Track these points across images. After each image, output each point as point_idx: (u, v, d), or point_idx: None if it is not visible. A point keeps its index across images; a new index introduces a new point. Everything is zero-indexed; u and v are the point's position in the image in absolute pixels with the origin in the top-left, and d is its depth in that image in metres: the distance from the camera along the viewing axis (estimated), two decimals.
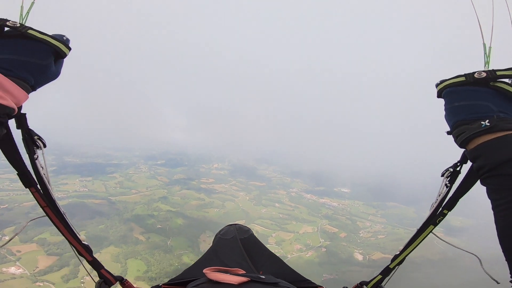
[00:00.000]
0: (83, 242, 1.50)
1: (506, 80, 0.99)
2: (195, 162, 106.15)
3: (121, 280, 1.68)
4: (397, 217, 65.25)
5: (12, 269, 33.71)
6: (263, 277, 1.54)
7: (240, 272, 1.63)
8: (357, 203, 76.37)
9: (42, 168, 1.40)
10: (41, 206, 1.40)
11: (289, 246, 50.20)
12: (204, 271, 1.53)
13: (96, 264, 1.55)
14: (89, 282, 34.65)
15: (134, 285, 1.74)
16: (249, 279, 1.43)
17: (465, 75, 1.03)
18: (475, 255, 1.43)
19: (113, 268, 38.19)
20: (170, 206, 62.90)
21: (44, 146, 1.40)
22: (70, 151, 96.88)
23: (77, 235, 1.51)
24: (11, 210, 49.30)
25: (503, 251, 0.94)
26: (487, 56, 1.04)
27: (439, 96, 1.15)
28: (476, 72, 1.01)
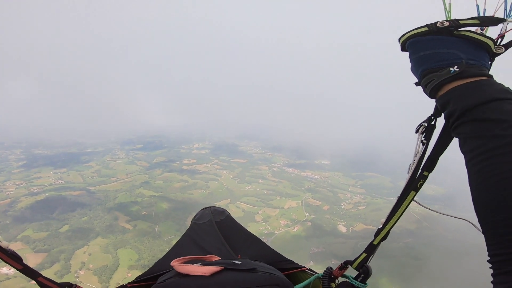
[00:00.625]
0: (6, 248, 1.21)
1: (470, 28, 0.97)
2: (174, 144, 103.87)
3: (70, 286, 1.38)
4: (376, 187, 68.59)
5: (4, 270, 32.67)
6: (239, 262, 1.47)
7: (214, 259, 1.60)
8: (337, 174, 79.18)
9: None
10: None
11: (275, 222, 51.89)
12: (172, 263, 1.43)
13: (29, 272, 1.25)
14: (83, 276, 34.46)
15: None
16: (222, 267, 1.37)
17: (427, 25, 1.00)
18: (466, 220, 1.30)
19: (104, 259, 38.06)
20: (153, 190, 62.19)
21: None
22: (38, 143, 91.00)
23: None
24: None
25: (479, 219, 0.81)
26: (447, 12, 1.04)
27: (403, 49, 1.10)
28: (438, 21, 0.98)
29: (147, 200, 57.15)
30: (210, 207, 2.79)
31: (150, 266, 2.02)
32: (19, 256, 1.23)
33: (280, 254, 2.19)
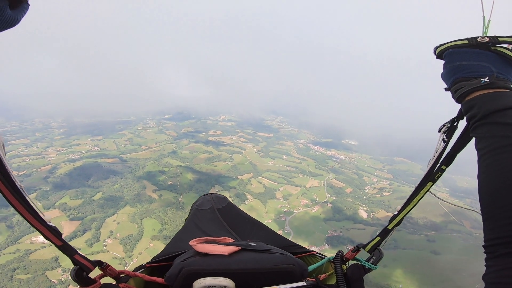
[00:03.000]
0: (48, 223, 1.17)
1: (506, 46, 1.07)
2: (202, 115, 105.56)
3: (101, 264, 1.37)
4: (404, 174, 65.24)
5: (41, 238, 35.95)
6: (254, 244, 1.56)
7: (229, 241, 1.68)
8: (365, 156, 76.34)
9: None
10: None
11: (295, 201, 51.77)
12: (190, 243, 1.51)
13: (67, 250, 1.23)
14: (110, 245, 37.57)
15: (117, 269, 1.48)
16: (240, 248, 1.47)
17: (467, 38, 1.10)
18: (475, 210, 1.27)
19: (130, 228, 41.07)
20: (180, 160, 64.37)
21: None
22: (78, 111, 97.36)
23: (41, 215, 1.16)
24: (30, 176, 51.01)
25: (481, 208, 0.90)
26: (485, 28, 1.12)
27: (439, 57, 1.22)
28: (479, 36, 1.09)
29: (173, 170, 59.36)
30: (211, 193, 2.79)
31: (173, 236, 2.17)
32: (59, 232, 1.22)
33: (288, 239, 2.23)
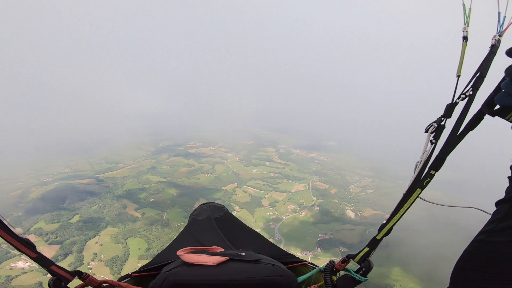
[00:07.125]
0: (20, 236, 1.24)
1: None
2: (180, 128, 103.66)
3: (80, 274, 1.39)
4: (385, 170, 67.27)
5: (20, 264, 33.28)
6: (243, 254, 1.54)
7: (218, 250, 1.67)
8: (345, 155, 78.36)
9: None
10: None
11: (283, 207, 51.71)
12: (178, 253, 1.50)
13: (43, 261, 1.29)
14: (96, 267, 35.27)
15: (98, 279, 1.47)
16: (228, 258, 1.45)
17: None
18: (474, 207, 1.30)
19: (115, 249, 38.74)
20: (160, 176, 62.40)
21: None
22: (46, 132, 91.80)
23: (11, 228, 1.24)
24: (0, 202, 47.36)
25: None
26: (466, 17, 1.12)
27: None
28: None
29: (154, 186, 57.35)
30: (209, 203, 2.78)
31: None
32: (33, 244, 1.27)
33: (282, 249, 2.23)
